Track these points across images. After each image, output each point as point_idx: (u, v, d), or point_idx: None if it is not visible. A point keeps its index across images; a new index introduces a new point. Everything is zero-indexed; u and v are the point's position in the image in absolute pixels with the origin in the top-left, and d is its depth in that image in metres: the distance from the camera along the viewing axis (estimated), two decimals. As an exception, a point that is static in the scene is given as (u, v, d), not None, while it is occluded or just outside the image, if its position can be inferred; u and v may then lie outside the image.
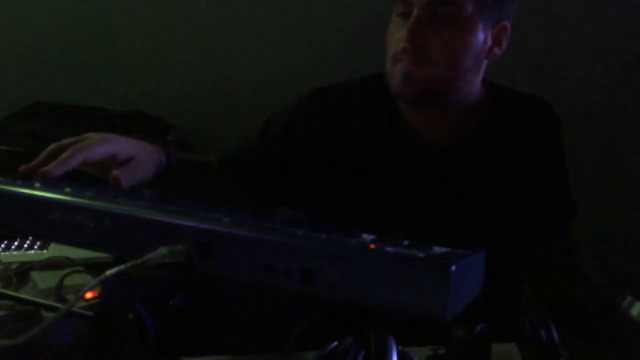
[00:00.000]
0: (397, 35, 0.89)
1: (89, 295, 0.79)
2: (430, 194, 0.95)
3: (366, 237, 0.47)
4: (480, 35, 0.89)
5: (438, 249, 0.43)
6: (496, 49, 0.92)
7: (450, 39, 0.87)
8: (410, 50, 0.86)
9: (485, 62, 0.93)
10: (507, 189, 0.96)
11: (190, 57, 1.94)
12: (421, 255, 0.39)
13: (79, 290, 0.80)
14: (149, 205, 0.49)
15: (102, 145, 0.73)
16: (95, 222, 0.46)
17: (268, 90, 1.86)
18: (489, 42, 0.91)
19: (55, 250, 0.94)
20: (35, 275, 0.89)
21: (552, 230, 1.00)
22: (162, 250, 0.42)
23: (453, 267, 0.36)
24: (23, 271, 0.90)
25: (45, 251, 0.97)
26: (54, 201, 0.48)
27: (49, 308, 0.75)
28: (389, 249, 0.40)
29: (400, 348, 0.62)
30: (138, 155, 0.77)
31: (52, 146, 0.72)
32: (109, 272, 0.41)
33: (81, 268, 0.89)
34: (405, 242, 0.44)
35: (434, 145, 0.95)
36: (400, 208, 0.95)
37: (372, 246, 0.41)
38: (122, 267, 0.41)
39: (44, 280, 0.86)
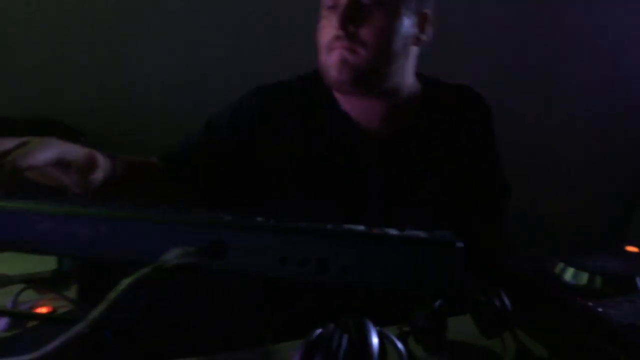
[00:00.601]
0: (328, 27, 0.94)
1: (43, 310, 0.76)
2: (370, 182, 1.00)
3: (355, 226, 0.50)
4: (406, 21, 0.96)
5: (430, 232, 0.47)
6: (422, 36, 1.00)
7: (379, 24, 0.94)
8: (343, 37, 0.92)
9: (414, 50, 1.00)
10: (442, 174, 1.03)
11: (90, 58, 1.86)
12: (424, 236, 0.43)
13: (32, 307, 0.76)
14: (138, 209, 0.49)
15: (45, 150, 0.70)
16: (91, 230, 0.45)
17: (175, 92, 1.83)
18: (414, 28, 0.98)
19: (-12, 268, 0.88)
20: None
21: (487, 211, 1.09)
22: (176, 251, 0.42)
23: (460, 244, 0.41)
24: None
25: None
26: (43, 212, 0.46)
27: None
28: (392, 232, 0.43)
29: (378, 328, 0.66)
30: (85, 159, 0.75)
31: None
32: (128, 279, 0.41)
33: (22, 285, 0.84)
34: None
35: (372, 134, 1.00)
36: (342, 197, 0.99)
37: (374, 231, 0.44)
38: (143, 270, 0.41)
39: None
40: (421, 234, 0.43)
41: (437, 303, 0.76)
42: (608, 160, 2.52)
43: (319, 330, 0.62)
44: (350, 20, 0.92)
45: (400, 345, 0.63)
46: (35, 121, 1.72)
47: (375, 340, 0.62)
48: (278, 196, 0.99)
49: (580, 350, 0.67)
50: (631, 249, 0.88)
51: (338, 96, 1.01)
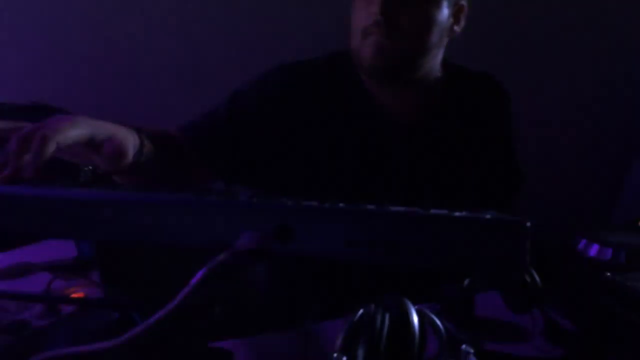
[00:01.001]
0: (366, 10, 0.93)
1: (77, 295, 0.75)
2: (396, 167, 1.00)
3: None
4: (445, 11, 0.95)
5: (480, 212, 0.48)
6: (455, 27, 1.00)
7: (419, 13, 0.93)
8: (382, 24, 0.91)
9: (446, 40, 1.00)
10: (464, 158, 1.04)
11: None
12: (488, 216, 0.43)
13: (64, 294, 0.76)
14: (197, 195, 0.48)
15: (76, 127, 0.67)
16: (155, 218, 0.45)
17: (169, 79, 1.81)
18: (451, 19, 0.98)
19: (9, 257, 0.87)
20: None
21: (501, 197, 1.10)
22: (250, 236, 0.42)
23: (529, 223, 0.42)
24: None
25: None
26: (104, 200, 0.46)
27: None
28: (457, 214, 0.44)
29: (417, 306, 0.67)
30: (116, 135, 0.73)
31: (15, 139, 0.66)
32: (211, 263, 0.41)
33: (45, 272, 0.83)
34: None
35: (399, 120, 1.00)
36: (368, 181, 1.00)
37: (438, 212, 0.44)
38: (222, 256, 0.41)
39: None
40: (483, 214, 0.44)
41: (466, 280, 0.78)
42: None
43: (361, 311, 0.63)
44: (391, 7, 0.91)
45: (439, 322, 0.65)
46: (26, 107, 1.68)
47: (415, 318, 0.63)
48: (301, 176, 0.99)
49: (610, 324, 0.69)
50: (644, 223, 0.90)
51: (366, 79, 1.00)
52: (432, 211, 0.44)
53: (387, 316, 0.62)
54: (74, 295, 0.70)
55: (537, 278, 0.73)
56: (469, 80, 1.07)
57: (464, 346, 0.62)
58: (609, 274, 0.71)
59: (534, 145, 2.36)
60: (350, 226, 0.43)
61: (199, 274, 0.41)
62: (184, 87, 1.83)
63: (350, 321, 0.62)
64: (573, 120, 2.51)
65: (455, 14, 0.99)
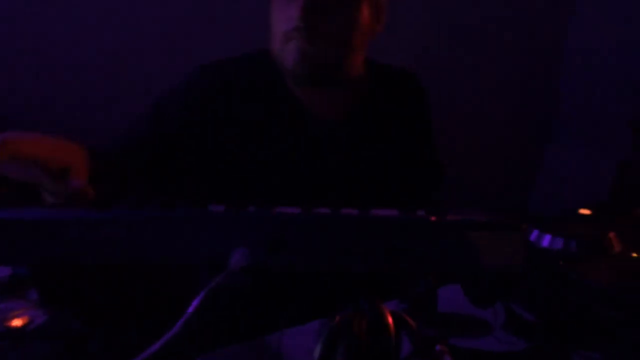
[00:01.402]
0: (285, 14, 0.89)
1: (17, 322, 0.69)
2: (323, 166, 0.99)
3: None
4: (366, 12, 0.94)
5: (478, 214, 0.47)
6: (378, 26, 0.99)
7: (341, 17, 0.90)
8: (303, 29, 0.88)
9: (368, 39, 0.99)
10: (389, 156, 1.04)
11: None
12: (483, 219, 0.43)
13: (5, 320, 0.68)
14: (166, 210, 0.44)
15: (31, 143, 0.61)
16: (149, 235, 0.41)
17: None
18: (372, 19, 0.96)
19: None
20: None
21: (424, 190, 1.11)
22: (242, 251, 0.39)
23: (526, 226, 0.41)
24: None
25: None
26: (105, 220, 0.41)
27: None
28: (455, 217, 0.43)
29: (403, 306, 0.67)
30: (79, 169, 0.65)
31: None
32: (209, 285, 0.37)
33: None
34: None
35: (322, 120, 0.99)
36: (296, 182, 0.98)
37: (433, 218, 0.44)
38: (218, 278, 0.38)
39: None
40: (477, 216, 0.43)
41: (426, 278, 0.78)
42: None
43: (338, 315, 0.61)
44: (312, 12, 0.87)
45: (411, 321, 0.64)
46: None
47: (390, 320, 0.62)
48: (228, 180, 0.95)
49: (567, 312, 0.71)
50: (584, 211, 0.95)
51: (289, 80, 0.98)
52: (425, 214, 0.44)
53: (364, 321, 0.62)
54: (17, 320, 0.64)
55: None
56: (390, 77, 1.07)
57: (438, 347, 0.61)
58: (562, 263, 0.74)
59: (451, 137, 2.44)
60: (348, 234, 0.41)
61: (199, 297, 0.37)
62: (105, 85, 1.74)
63: (329, 327, 0.61)
64: (488, 112, 2.62)
65: (376, 13, 0.98)
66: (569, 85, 2.78)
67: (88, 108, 1.73)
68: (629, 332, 0.68)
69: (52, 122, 1.16)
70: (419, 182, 1.08)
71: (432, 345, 0.62)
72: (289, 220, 0.41)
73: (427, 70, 1.29)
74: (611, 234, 0.79)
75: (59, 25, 1.68)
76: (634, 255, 0.77)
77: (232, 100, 0.95)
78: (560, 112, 2.82)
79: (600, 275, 0.72)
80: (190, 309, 0.36)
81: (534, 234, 0.83)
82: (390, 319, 0.62)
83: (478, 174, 2.54)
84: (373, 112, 1.03)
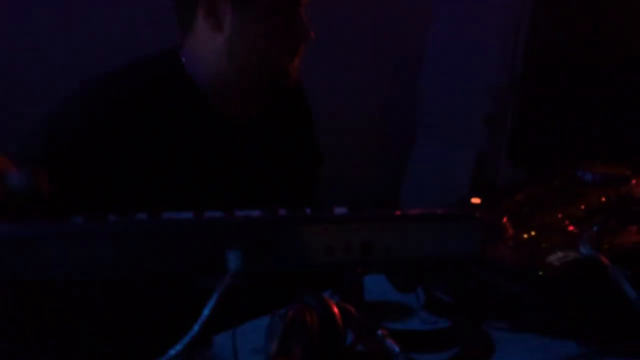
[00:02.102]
0: (298, 25, 0.97)
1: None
2: (234, 166, 1.02)
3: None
4: None
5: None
6: None
7: None
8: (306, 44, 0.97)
9: None
10: (283, 155, 1.10)
11: None
12: (441, 212, 0.49)
13: None
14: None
15: None
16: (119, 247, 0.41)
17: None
18: None
19: None
20: None
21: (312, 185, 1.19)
22: (236, 255, 0.41)
23: (479, 215, 0.48)
24: None
25: None
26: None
27: None
28: (415, 211, 0.48)
29: (336, 298, 0.71)
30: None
31: None
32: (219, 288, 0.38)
33: None
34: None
35: (234, 121, 1.02)
36: (210, 183, 0.99)
37: (398, 212, 0.48)
38: (225, 282, 0.39)
39: None
40: (437, 210, 0.49)
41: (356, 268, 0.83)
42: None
43: (290, 310, 0.65)
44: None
45: (352, 309, 0.69)
46: None
47: (336, 310, 0.67)
48: (138, 184, 0.94)
49: (478, 290, 0.81)
50: (475, 200, 1.06)
51: (202, 86, 0.99)
52: (403, 212, 0.48)
53: (314, 314, 0.65)
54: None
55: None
56: None
57: (379, 332, 0.67)
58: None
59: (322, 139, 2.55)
60: (329, 233, 0.45)
61: (211, 301, 0.38)
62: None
63: (284, 322, 0.64)
64: (356, 116, 2.77)
65: None
66: (429, 87, 3.02)
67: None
68: (529, 303, 0.78)
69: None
70: (307, 180, 1.15)
71: (373, 330, 0.67)
72: (278, 223, 0.44)
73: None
74: (505, 219, 0.90)
75: None
76: (525, 236, 0.89)
77: (145, 111, 0.94)
78: (423, 113, 3.04)
79: (502, 256, 0.83)
80: (204, 314, 0.38)
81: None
82: (336, 310, 0.67)
83: (349, 173, 2.67)
84: (272, 113, 1.08)
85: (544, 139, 2.15)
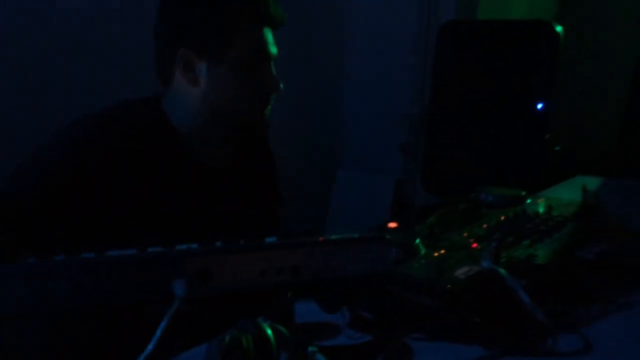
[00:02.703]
0: (267, 74, 1.02)
1: None
2: (208, 209, 1.10)
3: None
4: None
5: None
6: None
7: None
8: (275, 95, 1.09)
9: None
10: (251, 197, 1.18)
11: None
12: (357, 236, 0.57)
13: None
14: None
15: None
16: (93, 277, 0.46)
17: None
18: None
19: None
20: None
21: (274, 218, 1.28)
22: (181, 282, 0.47)
23: (389, 236, 0.56)
24: None
25: None
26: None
27: None
28: (335, 237, 0.56)
29: (269, 322, 0.77)
30: None
31: None
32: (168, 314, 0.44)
33: None
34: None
35: (212, 168, 1.10)
36: (183, 225, 1.05)
37: (321, 239, 0.56)
38: (174, 306, 0.45)
39: None
40: (354, 235, 0.57)
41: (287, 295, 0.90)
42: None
43: (227, 336, 0.71)
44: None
45: (284, 330, 0.76)
46: None
47: (269, 332, 0.74)
48: (121, 230, 0.98)
49: (397, 306, 0.90)
50: (392, 224, 1.16)
51: (183, 133, 1.06)
52: (315, 237, 0.56)
53: (249, 337, 0.72)
54: None
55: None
56: None
57: (310, 348, 0.74)
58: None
59: None
60: (263, 259, 0.52)
61: (161, 326, 0.44)
62: None
63: (221, 347, 0.70)
64: (284, 143, 2.86)
65: None
66: (350, 116, 3.16)
67: None
68: (441, 313, 0.88)
69: None
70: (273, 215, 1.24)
71: (304, 347, 0.74)
72: (216, 252, 0.51)
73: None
74: (417, 241, 1.01)
75: None
76: (435, 254, 0.99)
77: (132, 157, 1.00)
78: (344, 144, 3.18)
79: (415, 273, 0.92)
80: (155, 339, 0.44)
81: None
82: (269, 333, 0.74)
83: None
84: (243, 159, 1.16)
85: (452, 166, 2.33)
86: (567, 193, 1.48)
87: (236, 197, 1.16)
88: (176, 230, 1.03)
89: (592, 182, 1.81)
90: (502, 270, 0.88)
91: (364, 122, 3.07)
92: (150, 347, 0.43)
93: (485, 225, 1.12)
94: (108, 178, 0.99)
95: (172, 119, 1.07)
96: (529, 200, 1.28)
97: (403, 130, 2.89)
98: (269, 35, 1.09)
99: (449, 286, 0.86)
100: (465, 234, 1.09)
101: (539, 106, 2.04)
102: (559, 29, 2.09)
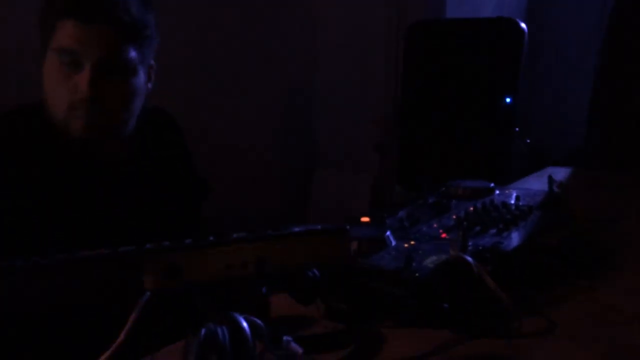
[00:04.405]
0: (67, 83, 0.99)
1: None
2: (106, 205, 1.10)
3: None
4: (142, 76, 1.09)
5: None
6: (149, 85, 1.15)
7: (124, 88, 1.04)
8: (90, 102, 0.99)
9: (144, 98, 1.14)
10: (158, 187, 1.19)
11: None
12: (320, 227, 0.60)
13: None
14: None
15: None
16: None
17: None
18: (146, 80, 1.12)
19: None
20: None
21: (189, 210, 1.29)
22: (152, 277, 0.49)
23: (348, 227, 0.59)
24: None
25: None
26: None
27: None
28: (296, 229, 0.59)
29: (244, 315, 0.80)
30: None
31: None
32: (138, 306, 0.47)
33: None
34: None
35: (99, 165, 1.11)
36: (83, 226, 1.06)
37: (285, 232, 0.59)
38: (144, 299, 0.47)
39: None
40: (316, 227, 0.60)
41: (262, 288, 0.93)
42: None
43: (203, 330, 0.73)
44: (98, 84, 0.98)
45: (261, 323, 0.79)
46: None
47: (246, 324, 0.76)
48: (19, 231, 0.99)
49: (368, 296, 0.93)
50: (364, 219, 1.19)
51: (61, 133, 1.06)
52: (279, 231, 0.59)
53: (225, 329, 0.74)
54: None
55: (317, 272, 0.93)
56: (147, 117, 1.21)
57: (285, 337, 0.77)
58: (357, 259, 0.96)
59: (228, 162, 2.66)
60: (229, 254, 0.55)
61: (131, 319, 0.47)
62: None
63: (197, 340, 0.72)
64: (262, 144, 2.89)
65: (149, 74, 1.14)
66: (324, 117, 3.19)
67: None
68: (410, 301, 0.91)
69: None
70: (184, 205, 1.25)
71: (279, 337, 0.77)
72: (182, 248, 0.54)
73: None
74: (387, 233, 1.04)
75: None
76: (405, 245, 1.02)
77: (9, 161, 1.00)
78: (322, 142, 3.21)
79: (385, 263, 0.96)
80: (124, 331, 0.46)
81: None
82: (244, 325, 0.76)
83: (255, 204, 2.78)
84: (140, 152, 1.17)
85: (426, 162, 2.38)
86: (537, 184, 1.53)
87: (140, 190, 1.16)
88: (78, 229, 1.05)
89: (561, 173, 1.87)
90: (468, 258, 0.91)
91: (340, 123, 3.11)
92: (122, 336, 0.45)
93: (454, 216, 1.16)
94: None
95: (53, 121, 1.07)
96: (497, 192, 1.32)
97: (378, 129, 2.94)
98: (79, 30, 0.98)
99: (417, 275, 0.89)
100: (435, 225, 1.12)
101: (507, 100, 2.09)
102: (523, 26, 2.15)
